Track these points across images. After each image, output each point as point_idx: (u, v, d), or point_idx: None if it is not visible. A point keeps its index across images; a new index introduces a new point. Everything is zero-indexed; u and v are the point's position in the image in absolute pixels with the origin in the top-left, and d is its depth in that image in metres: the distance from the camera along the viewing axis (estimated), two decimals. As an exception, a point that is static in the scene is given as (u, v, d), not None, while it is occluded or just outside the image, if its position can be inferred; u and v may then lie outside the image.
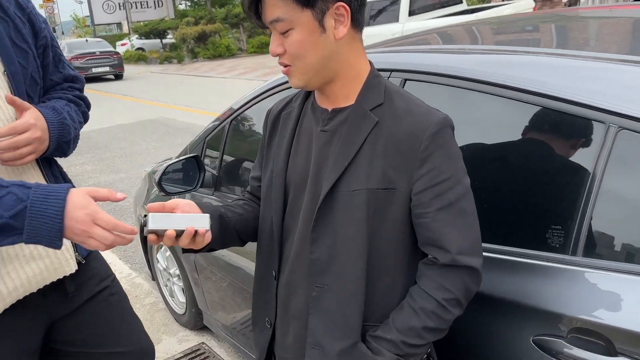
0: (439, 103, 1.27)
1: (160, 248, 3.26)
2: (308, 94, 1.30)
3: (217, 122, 2.60)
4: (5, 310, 1.35)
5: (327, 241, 1.16)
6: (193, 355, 2.99)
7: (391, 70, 1.69)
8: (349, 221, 1.13)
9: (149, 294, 3.72)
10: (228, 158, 2.50)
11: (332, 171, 1.14)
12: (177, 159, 2.38)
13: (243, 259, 2.26)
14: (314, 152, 1.20)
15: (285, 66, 1.14)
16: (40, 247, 1.37)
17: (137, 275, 4.04)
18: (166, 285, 3.36)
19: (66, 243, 1.42)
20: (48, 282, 1.42)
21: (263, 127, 1.41)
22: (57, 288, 1.46)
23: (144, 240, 3.40)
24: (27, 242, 1.09)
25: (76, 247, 1.49)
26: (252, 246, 1.41)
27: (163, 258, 3.28)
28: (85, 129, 1.70)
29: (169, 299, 3.36)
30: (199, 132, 2.78)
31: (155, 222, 1.10)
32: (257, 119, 2.39)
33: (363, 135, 1.13)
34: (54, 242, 1.10)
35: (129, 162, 7.45)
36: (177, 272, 3.12)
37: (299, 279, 1.23)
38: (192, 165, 2.44)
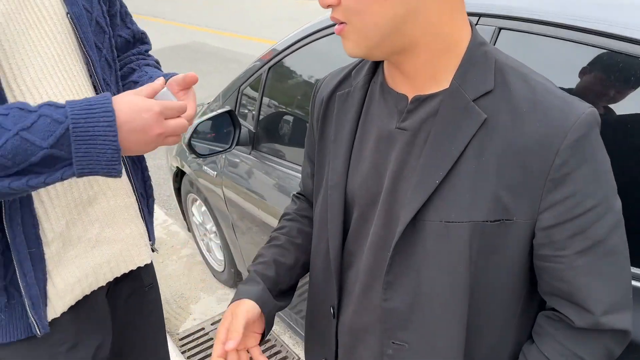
0: (555, 70, 0.88)
1: (195, 202, 3.02)
2: (375, 67, 0.92)
3: (254, 67, 2.23)
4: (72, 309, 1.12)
5: (408, 287, 0.83)
6: (233, 317, 2.81)
7: (479, 15, 1.29)
8: (440, 262, 0.80)
9: (185, 244, 3.53)
10: (267, 111, 2.16)
11: (417, 192, 0.79)
12: (208, 116, 2.05)
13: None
14: (389, 158, 0.85)
15: (340, 23, 0.78)
16: (108, 230, 1.14)
17: (173, 223, 3.85)
18: (202, 240, 3.15)
19: (140, 228, 1.20)
20: (119, 274, 1.20)
21: (310, 108, 1.05)
22: (128, 280, 1.27)
23: (177, 189, 3.16)
24: (79, 174, 0.86)
25: (149, 234, 1.27)
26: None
27: (198, 212, 3.04)
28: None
29: (206, 254, 3.16)
30: (233, 78, 2.42)
31: None
32: (304, 65, 2.01)
33: (464, 140, 0.76)
34: (113, 168, 0.87)
35: (161, 92, 7.14)
36: (214, 228, 2.89)
37: (369, 325, 0.91)
38: (226, 121, 2.11)
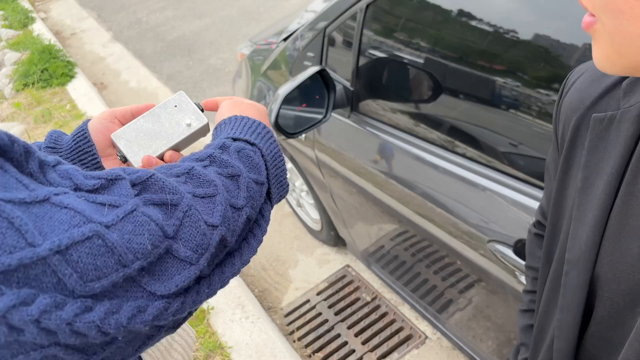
0: None
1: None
2: None
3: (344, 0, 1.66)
4: None
5: None
6: (340, 284, 2.49)
7: None
8: None
9: (270, 193, 3.16)
10: (373, 58, 1.62)
11: None
12: (295, 83, 1.55)
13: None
14: None
15: (590, 15, 0.51)
16: None
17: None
18: (291, 194, 2.77)
19: None
20: None
21: (555, 110, 0.73)
22: None
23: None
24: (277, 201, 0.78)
25: None
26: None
27: (283, 168, 2.63)
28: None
29: (297, 209, 2.80)
30: (310, 17, 1.86)
31: None
32: None
33: None
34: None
35: (211, 1, 6.49)
36: (304, 187, 2.48)
37: None
38: (316, 84, 1.60)
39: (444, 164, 1.38)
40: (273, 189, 0.72)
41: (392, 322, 2.25)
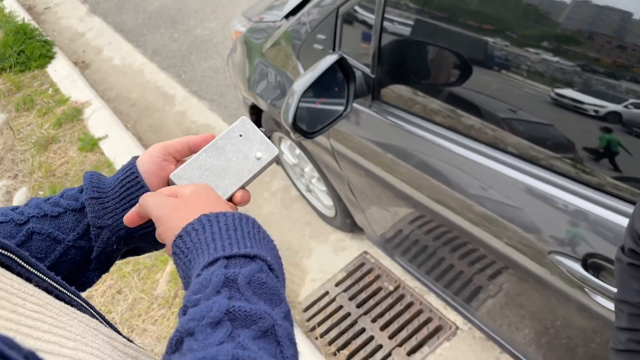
0: None
1: (284, 140, 2.41)
2: None
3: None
4: None
5: None
6: (359, 273, 2.36)
7: None
8: None
9: (274, 176, 3.00)
10: (395, 40, 1.43)
11: None
12: (312, 76, 1.36)
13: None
14: None
15: None
16: None
17: (252, 146, 3.28)
18: (300, 180, 2.61)
19: None
20: None
21: None
22: None
23: (256, 122, 2.55)
24: None
25: None
26: None
27: (291, 154, 2.45)
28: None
29: (306, 194, 2.64)
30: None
31: None
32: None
33: None
34: None
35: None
36: (315, 173, 2.32)
37: None
38: (333, 74, 1.42)
39: (487, 161, 1.22)
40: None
41: (419, 312, 2.13)
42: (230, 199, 0.67)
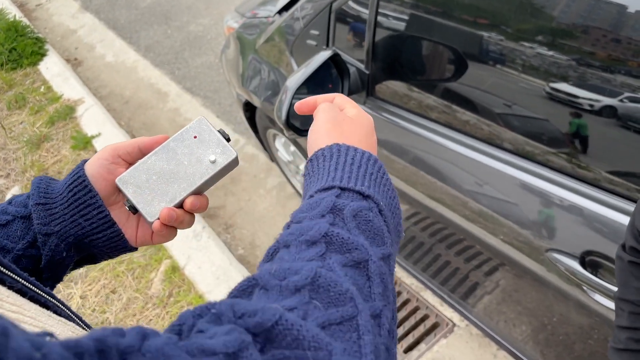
0: None
1: (279, 137, 2.40)
2: None
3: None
4: None
5: None
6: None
7: None
8: None
9: (269, 172, 2.98)
10: (389, 37, 1.41)
11: None
12: (305, 73, 1.34)
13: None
14: None
15: None
16: None
17: (247, 143, 3.26)
18: (295, 177, 2.59)
19: None
20: None
21: None
22: None
23: (250, 119, 2.53)
24: None
25: None
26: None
27: (286, 151, 2.43)
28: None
29: (302, 191, 2.62)
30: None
31: None
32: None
33: None
34: None
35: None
36: (311, 170, 2.30)
37: None
38: (327, 70, 1.40)
39: (483, 158, 1.21)
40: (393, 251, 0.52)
41: (415, 309, 2.12)
42: (180, 206, 0.64)
